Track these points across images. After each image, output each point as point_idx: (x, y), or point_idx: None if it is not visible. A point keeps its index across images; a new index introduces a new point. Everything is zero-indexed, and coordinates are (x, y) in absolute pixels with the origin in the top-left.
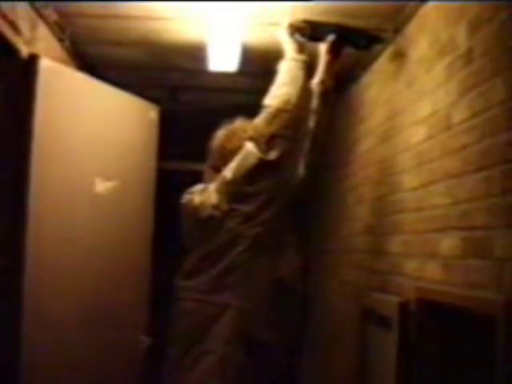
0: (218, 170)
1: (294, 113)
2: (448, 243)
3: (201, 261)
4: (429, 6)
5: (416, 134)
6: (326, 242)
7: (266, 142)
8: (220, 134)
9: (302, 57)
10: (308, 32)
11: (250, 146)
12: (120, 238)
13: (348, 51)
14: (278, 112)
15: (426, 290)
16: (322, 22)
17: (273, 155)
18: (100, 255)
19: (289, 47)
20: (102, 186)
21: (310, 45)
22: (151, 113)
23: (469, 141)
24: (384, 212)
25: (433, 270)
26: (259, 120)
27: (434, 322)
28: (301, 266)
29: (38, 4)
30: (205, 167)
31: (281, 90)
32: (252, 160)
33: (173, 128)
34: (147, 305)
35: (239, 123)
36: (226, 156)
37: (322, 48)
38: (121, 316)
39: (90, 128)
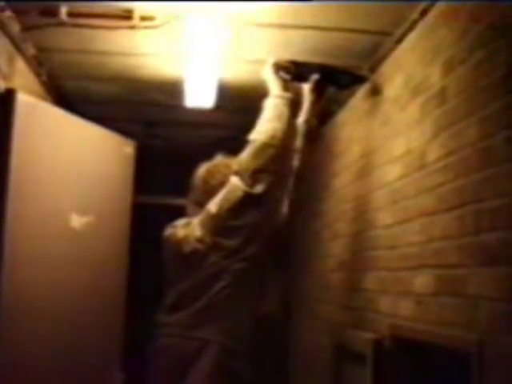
0: (201, 205)
1: (280, 148)
2: (422, 281)
3: (183, 295)
4: (404, 45)
5: (391, 172)
6: (303, 277)
7: (251, 175)
8: (202, 170)
9: (288, 94)
10: (292, 71)
11: (235, 180)
12: (95, 273)
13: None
14: (264, 146)
15: (400, 327)
16: (306, 62)
17: (258, 189)
18: (75, 290)
19: (274, 85)
20: (77, 221)
21: (294, 83)
22: (127, 148)
23: (443, 180)
24: (359, 248)
25: (407, 307)
26: (244, 154)
27: (407, 359)
28: (284, 301)
29: (16, 38)
30: (187, 202)
31: (267, 126)
32: (237, 193)
33: (148, 163)
34: (122, 340)
35: (221, 159)
36: (210, 191)
37: (306, 88)
38: (95, 351)
39: (66, 163)
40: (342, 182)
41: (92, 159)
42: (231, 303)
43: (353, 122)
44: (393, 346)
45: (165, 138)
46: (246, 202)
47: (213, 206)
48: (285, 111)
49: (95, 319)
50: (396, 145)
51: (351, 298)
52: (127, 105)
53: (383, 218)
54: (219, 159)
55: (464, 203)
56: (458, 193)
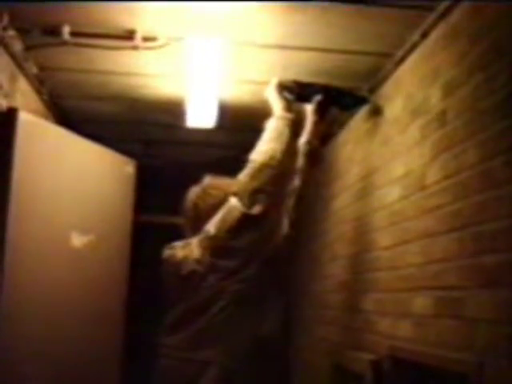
0: (194, 229)
1: (279, 169)
2: (421, 302)
3: (183, 316)
4: (404, 67)
5: (390, 194)
6: (303, 297)
7: (250, 196)
8: (192, 195)
9: (289, 115)
10: (296, 92)
11: (233, 201)
12: (96, 292)
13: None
14: (263, 167)
15: (398, 349)
16: (310, 83)
17: (256, 210)
18: (75, 309)
19: (276, 105)
20: (78, 240)
21: (297, 104)
22: (128, 167)
23: (442, 202)
24: (358, 269)
25: (406, 329)
26: (243, 175)
27: (406, 381)
28: (284, 321)
29: (18, 57)
30: (183, 223)
31: (266, 146)
32: (236, 214)
33: (148, 181)
34: (120, 360)
35: (209, 181)
36: (201, 216)
37: (309, 108)
38: (95, 370)
39: (67, 181)
40: (342, 202)
41: (93, 178)
42: (230, 324)
43: (353, 143)
44: (392, 367)
45: (166, 157)
46: (245, 223)
47: (211, 227)
48: (285, 132)
49: (95, 337)
50: (396, 166)
51: (351, 318)
52: (128, 124)
53: (383, 239)
54: (208, 181)
55: (463, 225)
56: (458, 215)
